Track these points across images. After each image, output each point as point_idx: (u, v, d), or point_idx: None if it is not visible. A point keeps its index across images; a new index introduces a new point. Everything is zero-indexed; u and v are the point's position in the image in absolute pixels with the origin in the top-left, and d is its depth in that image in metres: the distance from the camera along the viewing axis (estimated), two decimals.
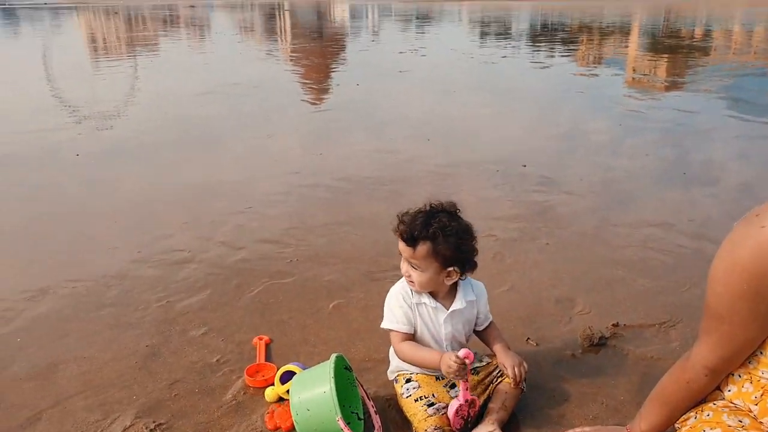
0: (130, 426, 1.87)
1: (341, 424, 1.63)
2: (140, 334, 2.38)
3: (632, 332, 2.37)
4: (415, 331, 1.88)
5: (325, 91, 8.51)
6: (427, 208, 1.82)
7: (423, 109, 6.95)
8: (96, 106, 7.13)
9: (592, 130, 5.92)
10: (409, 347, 1.87)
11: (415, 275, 1.80)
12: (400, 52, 12.51)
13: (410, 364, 1.89)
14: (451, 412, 1.75)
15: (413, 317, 1.87)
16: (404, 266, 1.84)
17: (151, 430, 1.84)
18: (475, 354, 1.80)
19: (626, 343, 2.30)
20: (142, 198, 3.99)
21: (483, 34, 18.37)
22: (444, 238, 1.74)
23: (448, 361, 1.73)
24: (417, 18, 28.41)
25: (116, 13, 43.85)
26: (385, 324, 1.91)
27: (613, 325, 2.40)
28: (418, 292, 1.86)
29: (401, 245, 1.80)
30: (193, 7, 54.81)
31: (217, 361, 2.20)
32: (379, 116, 6.60)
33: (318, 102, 7.63)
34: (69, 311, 2.58)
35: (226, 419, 1.89)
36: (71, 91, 8.46)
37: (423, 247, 1.75)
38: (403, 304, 1.87)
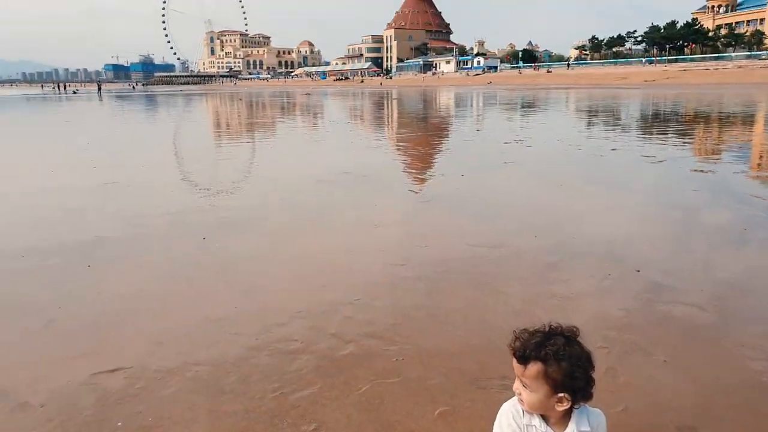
0: None
1: None
2: (254, 426, 2.51)
3: None
4: None
5: (430, 180, 8.77)
6: (546, 328, 1.84)
7: (529, 202, 6.96)
8: (218, 189, 7.81)
9: (712, 233, 5.63)
10: None
11: (525, 394, 1.81)
12: (505, 143, 12.70)
13: None
14: None
15: None
16: (516, 383, 1.85)
17: None
18: None
19: None
20: (260, 283, 4.27)
21: (590, 124, 18.26)
22: (556, 362, 1.74)
23: None
24: (522, 106, 28.76)
25: (240, 99, 48.15)
26: None
27: None
28: (529, 413, 1.85)
29: (514, 361, 1.82)
30: (309, 94, 58.97)
31: None
32: (484, 208, 6.68)
33: (423, 192, 7.87)
34: (192, 394, 2.77)
35: None
36: (198, 174, 9.33)
37: (534, 368, 1.76)
38: (512, 423, 1.86)
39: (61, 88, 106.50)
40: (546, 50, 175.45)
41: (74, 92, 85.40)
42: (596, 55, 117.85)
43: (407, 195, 7.66)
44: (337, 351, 3.19)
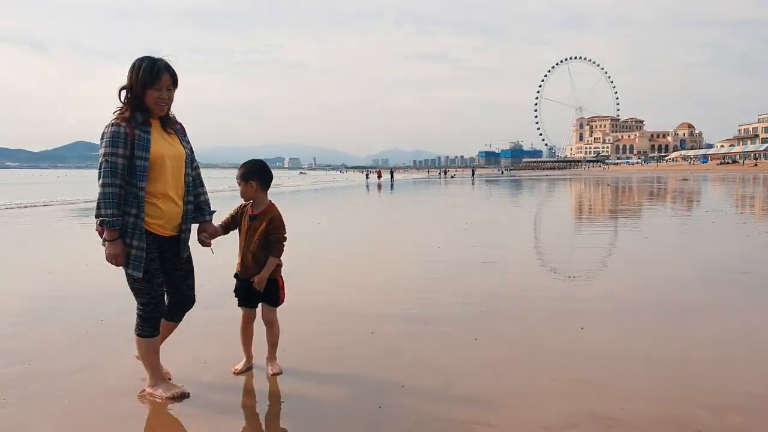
0: None
1: None
2: None
3: None
4: None
5: None
6: None
7: None
8: (573, 271, 7.71)
9: None
10: None
11: None
12: None
13: None
14: None
15: None
16: None
17: None
18: None
19: None
20: (645, 389, 4.02)
21: None
22: None
23: None
24: None
25: (608, 185, 47.22)
26: None
27: None
28: None
29: None
30: (685, 180, 54.13)
31: None
32: None
33: None
34: None
35: None
36: (554, 254, 9.42)
37: None
38: None
39: (442, 174, 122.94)
40: None
41: (452, 177, 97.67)
42: None
43: None
44: None
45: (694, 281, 7.65)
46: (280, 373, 4.25)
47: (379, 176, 77.39)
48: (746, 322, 5.63)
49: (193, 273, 4.06)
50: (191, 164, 3.95)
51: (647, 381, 4.10)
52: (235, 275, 4.34)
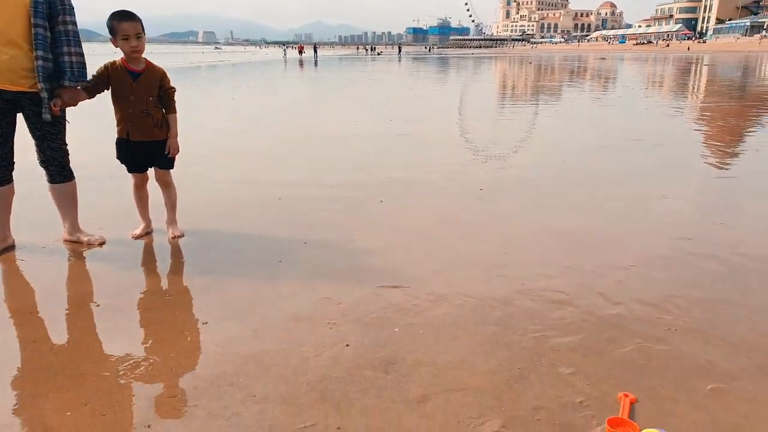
0: (497, 431, 2.14)
1: None
2: (513, 356, 2.66)
3: None
4: None
5: (737, 155, 7.65)
6: None
7: None
8: (500, 148, 8.02)
9: None
10: None
11: None
12: None
13: None
14: None
15: None
16: None
17: None
18: None
19: None
20: (531, 235, 4.36)
21: None
22: None
23: None
24: None
25: (530, 63, 47.62)
26: None
27: None
28: None
29: None
30: (603, 59, 55.53)
31: (580, 402, 2.31)
32: None
33: (725, 167, 6.92)
34: (460, 320, 3.04)
35: None
36: (482, 132, 9.69)
37: None
38: None
39: (370, 51, 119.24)
40: None
41: (378, 54, 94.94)
42: None
43: (705, 168, 6.84)
44: (603, 309, 3.14)
45: (591, 147, 8.11)
46: (182, 236, 4.26)
47: (301, 52, 72.75)
48: (625, 183, 6.11)
49: (57, 136, 3.81)
50: (43, 15, 3.51)
51: (539, 249, 4.45)
52: (120, 141, 4.04)
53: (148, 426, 2.20)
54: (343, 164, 7.02)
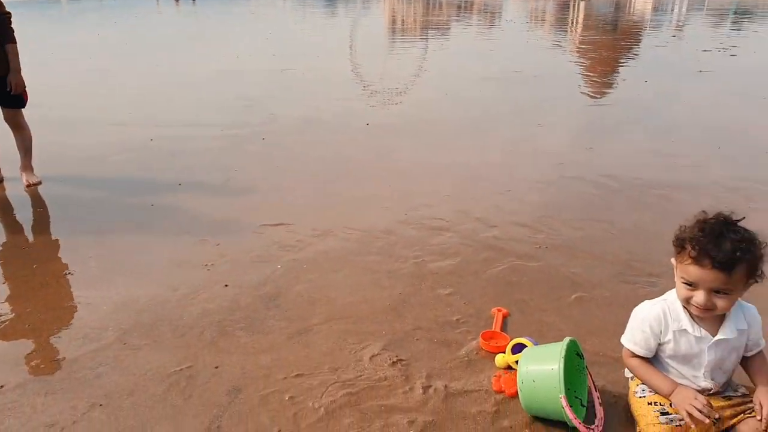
0: (377, 354, 2.16)
1: (564, 402, 1.66)
2: (395, 283, 2.69)
3: None
4: (665, 355, 1.76)
5: (609, 85, 8.10)
6: (714, 221, 1.59)
7: (719, 114, 6.19)
8: (387, 83, 7.96)
9: None
10: (639, 364, 1.79)
11: (723, 302, 1.59)
12: (704, 50, 11.18)
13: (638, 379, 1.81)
14: None
15: (656, 344, 1.75)
16: (703, 296, 1.59)
17: (393, 362, 2.11)
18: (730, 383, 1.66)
19: None
20: (414, 168, 4.40)
21: None
22: (758, 251, 1.56)
23: (691, 400, 1.61)
24: (735, 13, 24.85)
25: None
26: (623, 340, 1.82)
27: None
28: (677, 319, 1.70)
29: (705, 273, 1.56)
30: None
31: (457, 320, 2.39)
32: (664, 117, 6.08)
33: (598, 96, 7.32)
34: (344, 252, 3.02)
35: (456, 371, 2.07)
36: (369, 68, 9.55)
37: (740, 270, 1.54)
38: (646, 330, 1.74)
39: None
40: None
41: None
42: None
43: (579, 97, 7.19)
44: (480, 233, 3.24)
45: (473, 80, 8.25)
46: (40, 183, 3.88)
47: None
48: (504, 113, 6.30)
49: None
50: None
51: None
52: None
53: (1, 386, 2.01)
54: (221, 102, 6.66)
